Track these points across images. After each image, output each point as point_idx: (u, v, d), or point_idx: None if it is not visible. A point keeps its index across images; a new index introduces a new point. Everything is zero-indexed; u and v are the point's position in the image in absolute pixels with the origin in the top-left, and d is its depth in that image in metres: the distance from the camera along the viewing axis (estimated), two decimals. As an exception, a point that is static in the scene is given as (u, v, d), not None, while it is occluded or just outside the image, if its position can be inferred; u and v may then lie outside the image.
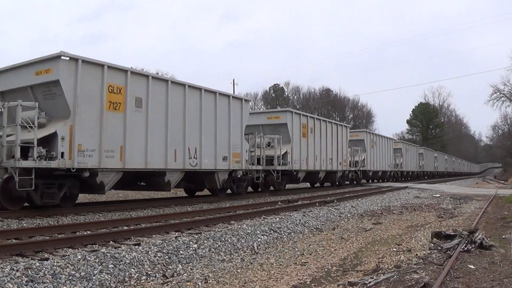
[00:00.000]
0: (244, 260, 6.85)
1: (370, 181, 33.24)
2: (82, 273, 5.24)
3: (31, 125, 9.49)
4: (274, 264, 6.65)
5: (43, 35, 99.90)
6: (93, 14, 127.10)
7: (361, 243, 8.45)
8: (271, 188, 19.23)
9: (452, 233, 7.93)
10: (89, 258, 5.67)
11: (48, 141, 9.99)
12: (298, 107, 66.95)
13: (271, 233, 8.86)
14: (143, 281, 5.50)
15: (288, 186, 21.55)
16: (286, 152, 19.00)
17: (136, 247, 6.54)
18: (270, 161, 18.04)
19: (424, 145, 63.07)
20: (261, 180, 17.42)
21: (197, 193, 17.34)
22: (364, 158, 29.00)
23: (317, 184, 25.04)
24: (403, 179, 40.04)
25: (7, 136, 9.81)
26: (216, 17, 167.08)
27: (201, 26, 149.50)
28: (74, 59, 10.34)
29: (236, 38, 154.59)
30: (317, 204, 13.82)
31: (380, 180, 34.65)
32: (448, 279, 5.27)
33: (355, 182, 28.46)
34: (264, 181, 17.89)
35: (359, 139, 29.67)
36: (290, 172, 19.47)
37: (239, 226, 8.95)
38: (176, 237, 7.52)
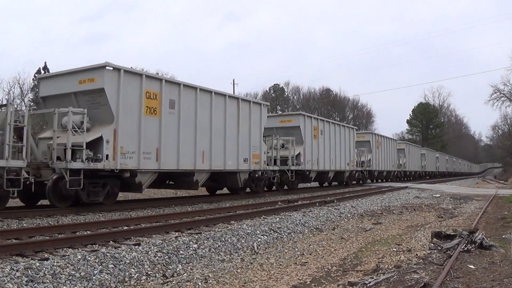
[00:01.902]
0: (244, 260, 6.85)
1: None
2: (82, 273, 5.24)
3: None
4: (274, 264, 6.65)
5: (45, 36, 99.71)
6: (95, 15, 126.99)
7: (361, 243, 8.45)
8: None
9: (452, 233, 7.93)
10: (89, 258, 5.67)
11: None
12: (298, 107, 66.95)
13: (271, 233, 8.86)
14: (143, 281, 5.50)
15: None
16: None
17: (136, 247, 6.54)
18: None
19: (424, 145, 63.07)
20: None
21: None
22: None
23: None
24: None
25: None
26: (218, 18, 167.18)
27: (202, 26, 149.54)
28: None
29: (237, 38, 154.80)
30: (317, 204, 13.82)
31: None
32: (448, 279, 5.27)
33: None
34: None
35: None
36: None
37: (239, 226, 8.95)
38: (176, 237, 7.52)
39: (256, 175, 16.80)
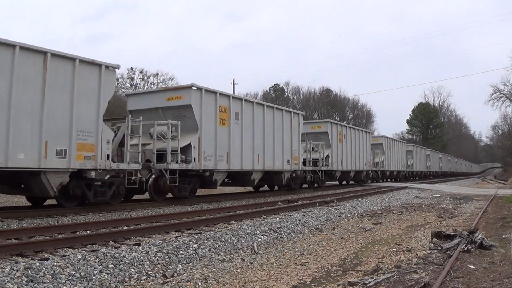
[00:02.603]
0: (244, 260, 6.85)
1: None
2: (82, 273, 5.24)
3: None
4: (274, 264, 6.65)
5: (46, 35, 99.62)
6: (96, 15, 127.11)
7: (361, 243, 8.45)
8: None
9: (452, 233, 7.93)
10: (89, 258, 5.67)
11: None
12: (298, 107, 66.92)
13: (271, 233, 8.86)
14: (143, 281, 5.50)
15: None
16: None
17: (136, 247, 6.54)
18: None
19: (424, 145, 62.90)
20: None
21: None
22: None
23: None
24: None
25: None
26: (219, 18, 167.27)
27: (203, 26, 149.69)
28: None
29: (238, 38, 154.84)
30: (317, 204, 13.82)
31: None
32: (448, 279, 5.27)
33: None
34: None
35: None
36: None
37: (239, 226, 8.95)
38: (176, 237, 7.53)
39: (92, 177, 11.01)
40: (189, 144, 13.68)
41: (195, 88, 14.12)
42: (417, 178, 45.06)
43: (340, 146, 25.04)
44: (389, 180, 36.03)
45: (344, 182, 28.47)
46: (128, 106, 15.37)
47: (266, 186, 21.31)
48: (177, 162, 13.14)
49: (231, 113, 15.49)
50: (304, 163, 21.08)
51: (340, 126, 25.69)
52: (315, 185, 22.81)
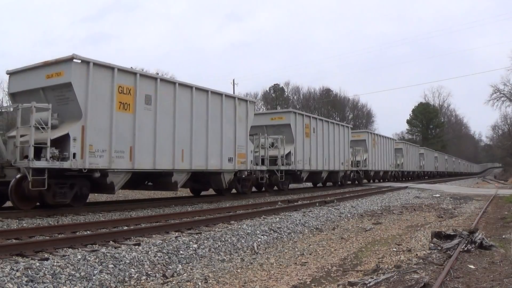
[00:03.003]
0: (244, 260, 6.85)
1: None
2: (82, 273, 5.24)
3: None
4: (274, 264, 6.65)
5: (46, 35, 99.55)
6: (97, 15, 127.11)
7: (361, 243, 8.45)
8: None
9: (452, 233, 7.93)
10: (89, 258, 5.67)
11: None
12: (298, 107, 66.92)
13: (271, 233, 8.86)
14: (143, 281, 5.50)
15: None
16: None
17: (136, 247, 6.54)
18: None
19: (424, 145, 62.74)
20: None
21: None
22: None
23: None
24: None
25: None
26: (219, 18, 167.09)
27: (203, 26, 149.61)
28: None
29: (238, 38, 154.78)
30: (317, 204, 13.82)
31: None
32: (448, 279, 5.27)
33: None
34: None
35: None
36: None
37: (239, 226, 8.95)
38: (176, 237, 7.53)
39: None
40: (67, 135, 10.31)
41: (79, 61, 10.61)
42: (409, 178, 41.90)
43: (307, 142, 20.87)
44: (376, 181, 33.40)
45: (320, 184, 24.97)
46: (9, 88, 12.21)
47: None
48: (47, 159, 9.84)
49: (138, 96, 11.97)
50: (262, 162, 17.67)
51: (307, 118, 21.37)
52: (275, 187, 19.69)
